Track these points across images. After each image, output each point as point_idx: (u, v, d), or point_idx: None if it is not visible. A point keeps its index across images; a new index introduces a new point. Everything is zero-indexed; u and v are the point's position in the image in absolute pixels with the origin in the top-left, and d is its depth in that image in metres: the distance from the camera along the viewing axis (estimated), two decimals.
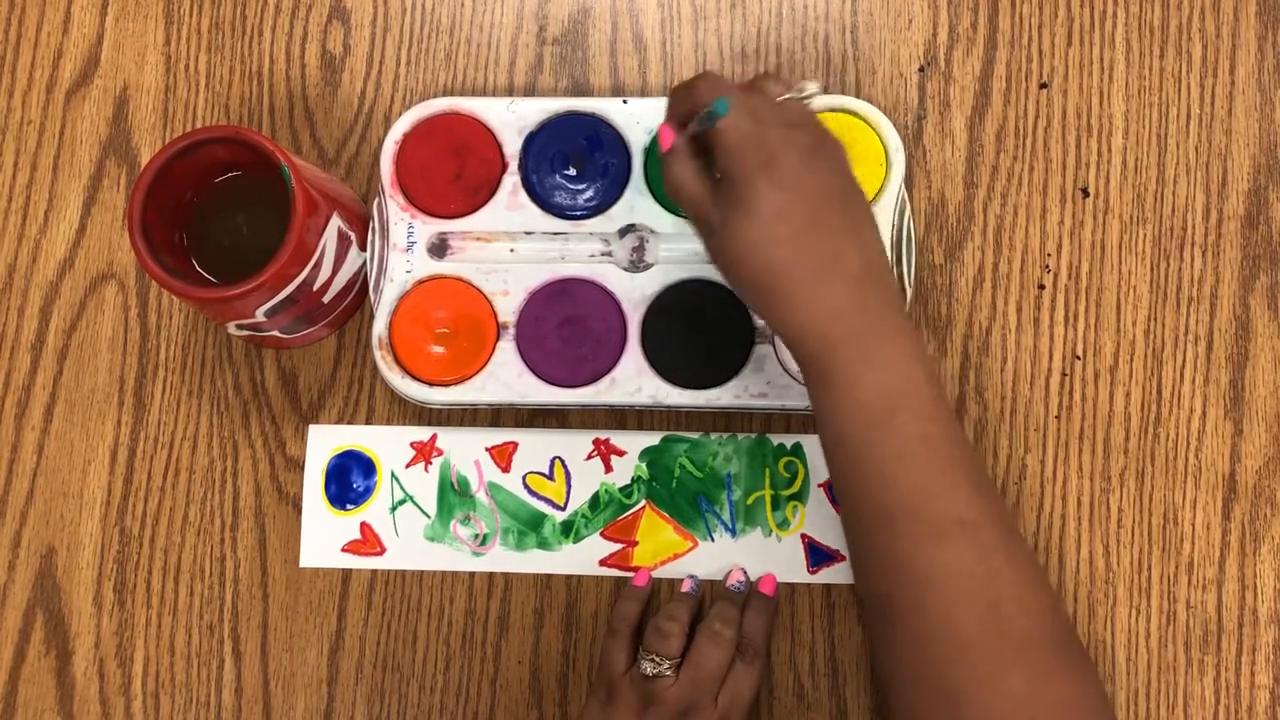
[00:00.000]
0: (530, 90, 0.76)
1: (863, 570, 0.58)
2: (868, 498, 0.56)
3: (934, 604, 0.54)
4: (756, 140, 0.56)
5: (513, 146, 0.73)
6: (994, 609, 0.54)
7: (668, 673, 0.64)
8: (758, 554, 0.71)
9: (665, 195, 0.59)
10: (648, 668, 0.65)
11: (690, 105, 0.59)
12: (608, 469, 0.72)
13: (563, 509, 0.72)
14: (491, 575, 0.72)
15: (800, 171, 0.56)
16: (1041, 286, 0.73)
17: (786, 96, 0.59)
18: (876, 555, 0.56)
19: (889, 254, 0.70)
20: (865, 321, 0.56)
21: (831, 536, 0.71)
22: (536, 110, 0.73)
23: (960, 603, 0.54)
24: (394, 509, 0.73)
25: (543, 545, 0.72)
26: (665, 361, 0.71)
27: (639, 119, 0.72)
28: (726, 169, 0.57)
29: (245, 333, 0.71)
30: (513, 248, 0.72)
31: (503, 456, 0.73)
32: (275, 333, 0.71)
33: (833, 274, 0.56)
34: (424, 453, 0.73)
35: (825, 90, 0.65)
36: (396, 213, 0.72)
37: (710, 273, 0.71)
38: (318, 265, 0.68)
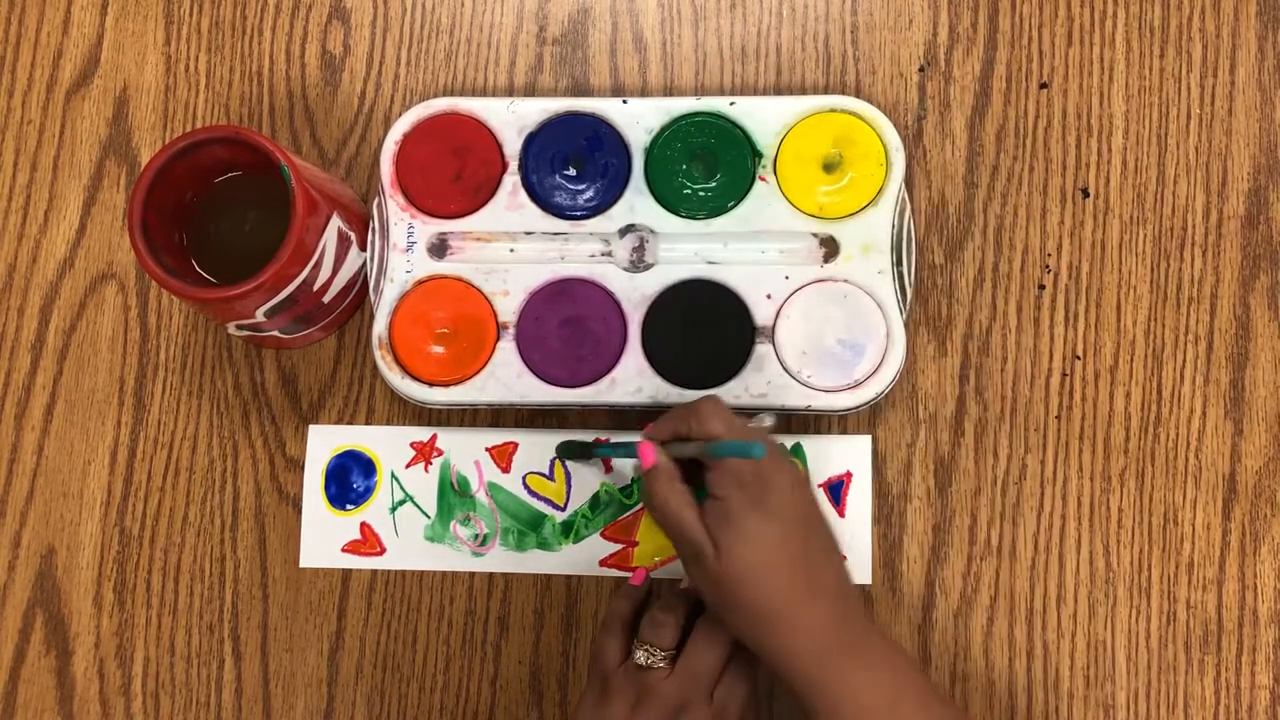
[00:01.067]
0: (530, 90, 0.76)
1: None
2: None
3: None
4: (755, 472, 0.60)
5: (513, 146, 0.73)
6: None
7: (661, 664, 0.64)
8: None
9: (654, 517, 0.62)
10: (642, 658, 0.64)
11: (690, 431, 0.62)
12: (608, 469, 0.72)
13: (563, 509, 0.72)
14: (491, 575, 0.72)
15: (791, 502, 0.60)
16: (1042, 287, 0.73)
17: (751, 425, 0.64)
18: None
19: (889, 255, 0.70)
20: (850, 632, 0.60)
21: None
22: (536, 110, 0.73)
23: None
24: (394, 509, 0.73)
25: (543, 545, 0.72)
26: (665, 361, 0.71)
27: (639, 119, 0.72)
28: (727, 496, 0.60)
29: (245, 333, 0.71)
30: (513, 248, 0.72)
31: (503, 457, 0.73)
32: (275, 333, 0.71)
33: (819, 593, 0.60)
34: (424, 453, 0.73)
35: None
36: (396, 213, 0.72)
37: (710, 272, 0.71)
38: (318, 265, 0.68)
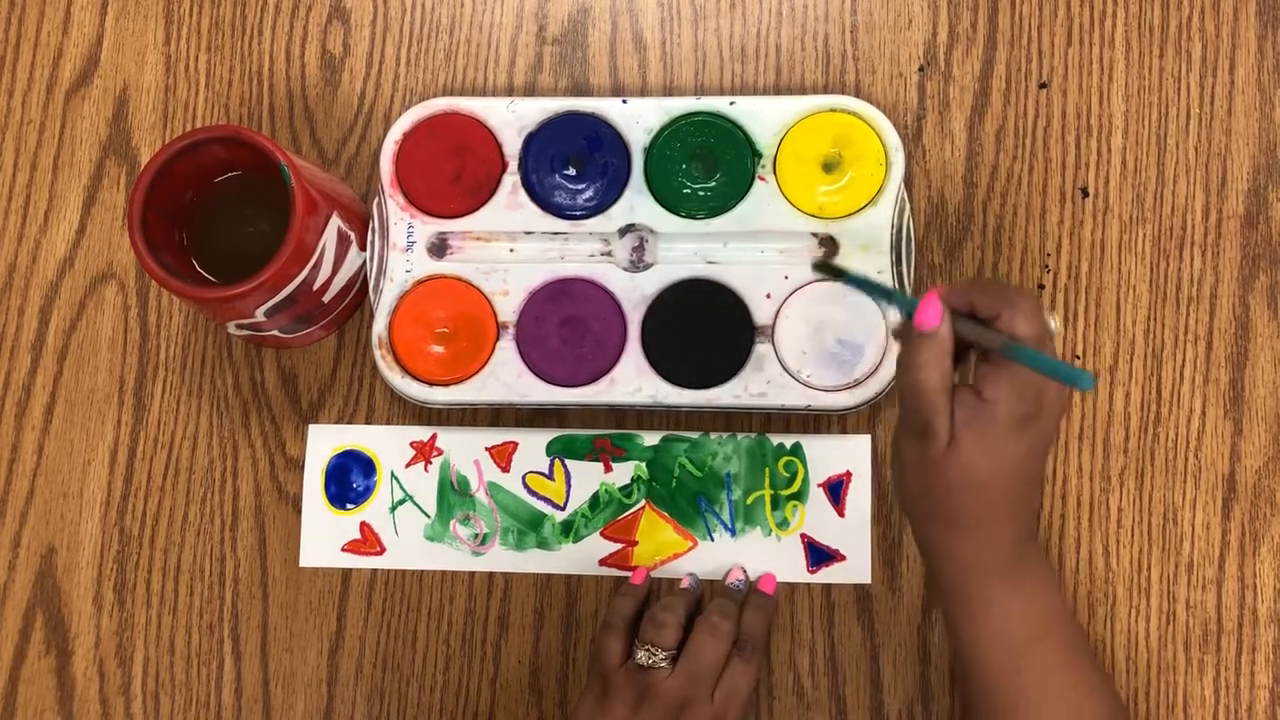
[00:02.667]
0: (530, 90, 0.76)
1: None
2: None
3: None
4: (1036, 389, 0.54)
5: (512, 146, 0.73)
6: None
7: (663, 664, 0.64)
8: (757, 554, 0.71)
9: (901, 380, 0.56)
10: (643, 658, 0.64)
11: (991, 311, 0.55)
12: (607, 469, 0.72)
13: (562, 509, 0.72)
14: (491, 575, 0.72)
15: (1048, 429, 0.56)
16: (1041, 286, 0.73)
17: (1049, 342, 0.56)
18: None
19: (888, 255, 0.70)
20: (1021, 558, 0.57)
21: (831, 536, 0.71)
22: (536, 110, 0.73)
23: None
24: (394, 509, 0.73)
25: (542, 545, 0.72)
26: (665, 361, 0.71)
27: (639, 119, 0.72)
28: (998, 401, 0.54)
29: (245, 333, 0.71)
30: (512, 248, 0.72)
31: (502, 456, 0.73)
32: (275, 332, 0.71)
33: (1014, 515, 0.57)
34: (424, 452, 0.73)
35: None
36: (396, 212, 0.72)
37: (710, 272, 0.71)
38: (317, 265, 0.68)
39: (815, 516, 0.71)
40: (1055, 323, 0.57)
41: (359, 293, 0.74)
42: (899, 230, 0.71)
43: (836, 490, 0.71)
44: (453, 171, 0.73)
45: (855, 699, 0.70)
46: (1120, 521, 0.70)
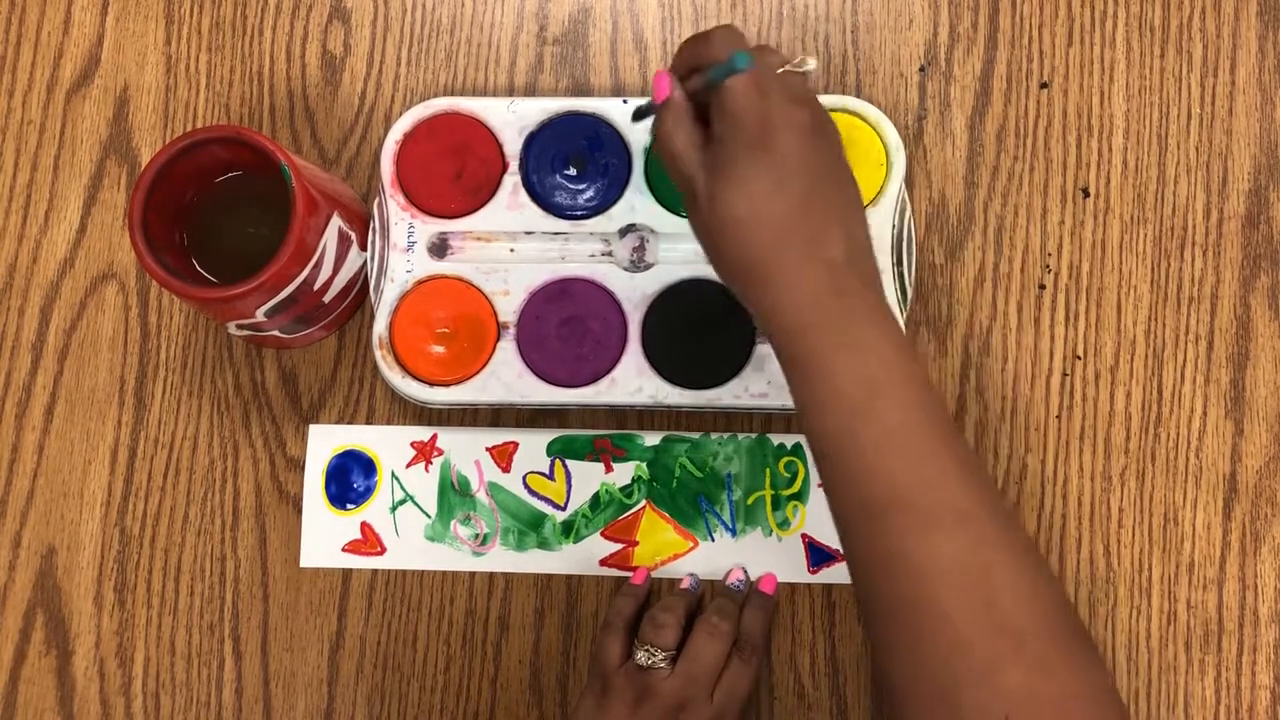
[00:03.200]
0: (530, 90, 0.76)
1: (855, 567, 0.56)
2: (854, 491, 0.54)
3: (927, 598, 0.52)
4: (759, 113, 0.54)
5: (513, 146, 0.73)
6: (990, 602, 0.52)
7: (662, 664, 0.64)
8: (758, 554, 0.71)
9: (660, 154, 0.58)
10: (642, 658, 0.64)
11: (700, 59, 0.57)
12: (608, 469, 0.72)
13: (563, 509, 0.72)
14: (492, 575, 0.72)
15: (796, 150, 0.55)
16: (1042, 286, 0.73)
17: (786, 68, 0.57)
18: (867, 550, 0.54)
19: (889, 255, 0.70)
20: (844, 305, 0.55)
21: (832, 536, 0.70)
22: (537, 110, 0.73)
23: (954, 596, 0.52)
24: (394, 509, 0.73)
25: (543, 545, 0.72)
26: (665, 361, 0.71)
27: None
28: (723, 137, 0.55)
29: (245, 333, 0.71)
30: (513, 248, 0.72)
31: (503, 456, 0.73)
32: (275, 333, 0.71)
33: (816, 257, 0.55)
34: (424, 453, 0.73)
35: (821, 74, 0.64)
36: (397, 212, 0.72)
37: (710, 272, 0.70)
38: (318, 265, 0.68)
39: (816, 517, 0.71)
40: (813, 63, 0.57)
41: (359, 293, 0.74)
42: (900, 230, 0.71)
43: None
44: (453, 171, 0.73)
45: (855, 699, 0.70)
46: (1121, 521, 0.70)
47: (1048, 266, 0.73)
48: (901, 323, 0.69)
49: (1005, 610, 0.52)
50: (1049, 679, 0.52)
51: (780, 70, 0.56)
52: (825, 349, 0.54)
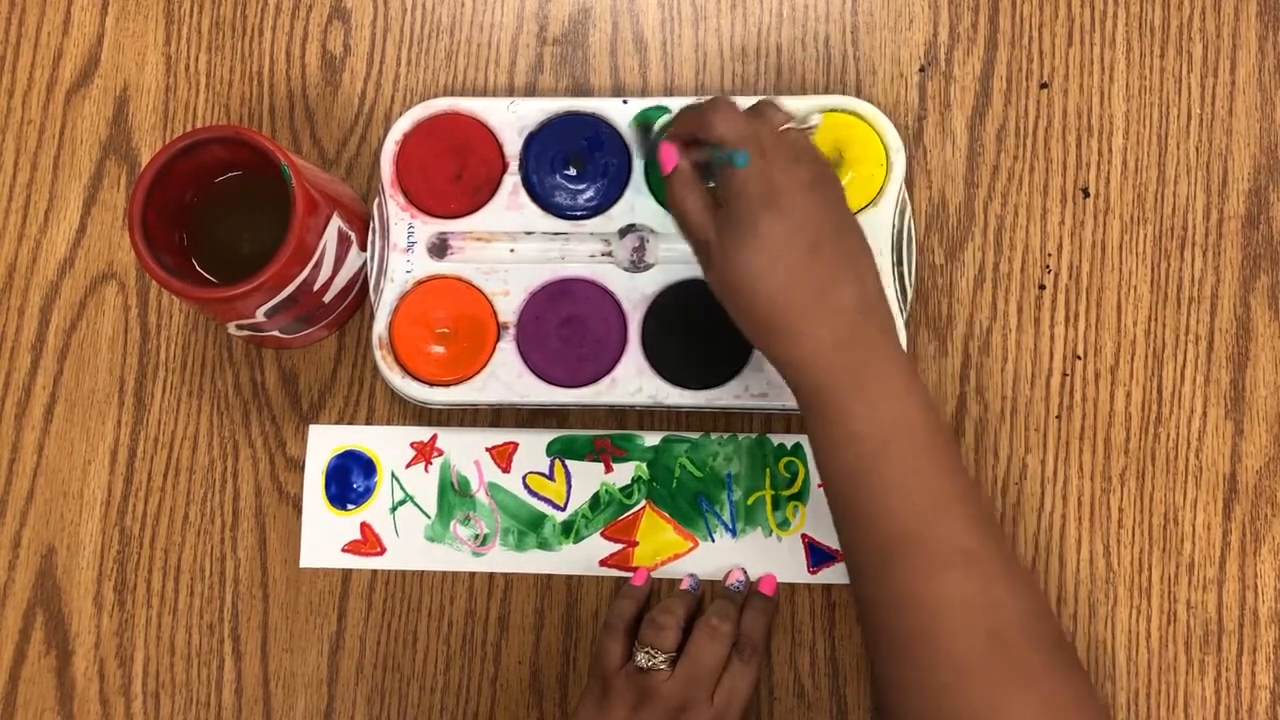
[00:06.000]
0: (530, 90, 0.76)
1: (866, 606, 0.58)
2: (867, 531, 0.57)
3: (935, 633, 0.55)
4: (762, 174, 0.57)
5: (513, 146, 0.73)
6: (996, 637, 0.54)
7: (662, 666, 0.64)
8: (758, 554, 0.71)
9: (674, 219, 0.62)
10: (642, 660, 0.65)
11: (700, 131, 0.60)
12: (608, 469, 0.72)
13: (563, 509, 0.72)
14: (491, 575, 0.72)
15: (801, 207, 0.57)
16: (1042, 286, 0.73)
17: (788, 126, 0.60)
18: (879, 589, 0.57)
19: (889, 255, 0.70)
20: (860, 354, 0.57)
21: (832, 537, 0.71)
22: (537, 110, 0.73)
23: (961, 631, 0.54)
24: (394, 509, 0.73)
25: (543, 545, 0.72)
26: (665, 361, 0.71)
27: None
28: (730, 200, 0.58)
29: (245, 333, 0.71)
30: (513, 248, 0.72)
31: (503, 456, 0.73)
32: (275, 333, 0.71)
33: (829, 307, 0.57)
34: (424, 453, 0.73)
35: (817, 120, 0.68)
36: (396, 213, 0.72)
37: None
38: (318, 265, 0.68)
39: (816, 517, 0.71)
40: (816, 119, 0.63)
41: (359, 293, 0.74)
42: (900, 230, 0.71)
43: None
44: (453, 171, 0.73)
45: (855, 699, 0.70)
46: (1121, 522, 0.70)
47: (1047, 266, 0.73)
48: (901, 323, 0.69)
49: (1011, 645, 0.54)
50: (1052, 714, 0.54)
51: (786, 126, 0.60)
52: (842, 396, 0.57)
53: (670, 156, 0.61)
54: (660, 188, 0.72)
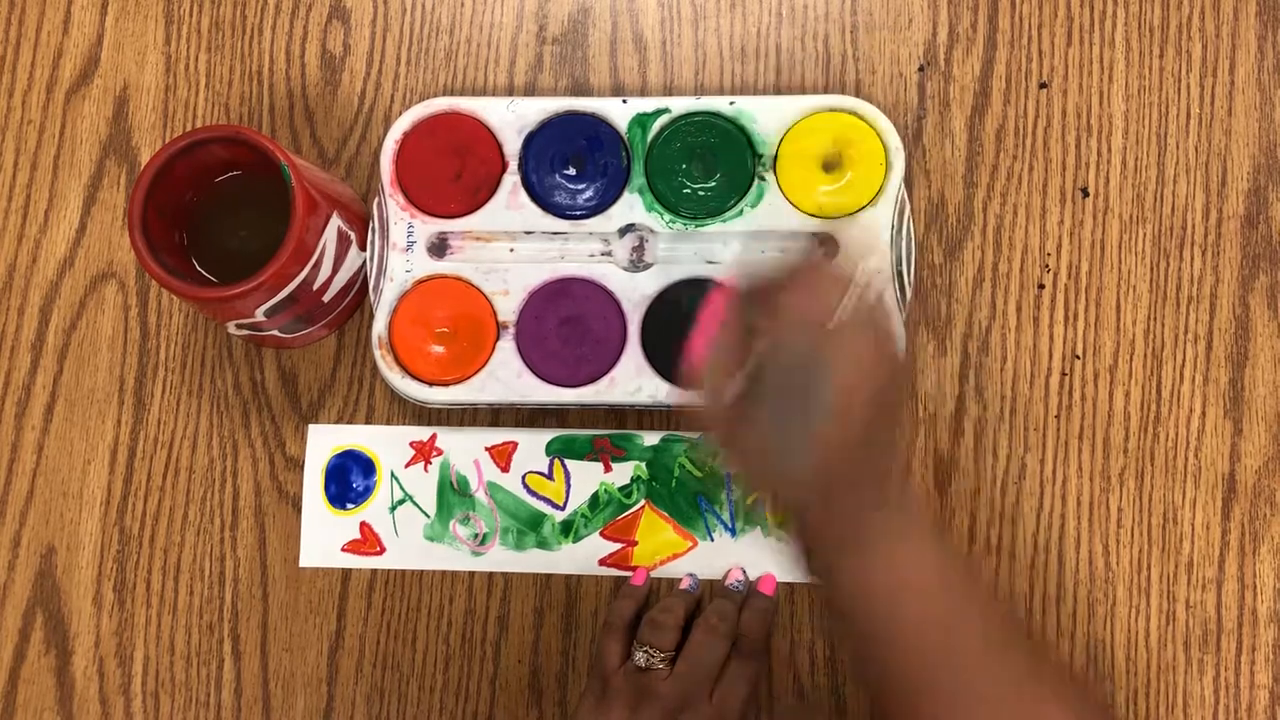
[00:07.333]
0: (530, 90, 0.76)
1: None
2: (887, 672, 0.56)
3: None
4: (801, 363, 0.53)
5: (513, 146, 0.73)
6: None
7: (661, 665, 0.64)
8: (757, 553, 0.71)
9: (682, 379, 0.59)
10: (641, 659, 0.65)
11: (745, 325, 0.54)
12: (607, 468, 0.72)
13: (562, 509, 0.72)
14: (491, 575, 0.72)
15: (855, 385, 0.52)
16: (1041, 286, 0.73)
17: (842, 307, 0.53)
18: None
19: (889, 254, 0.70)
20: (879, 521, 0.55)
21: None
22: (536, 110, 0.73)
23: None
24: (394, 509, 0.73)
25: (542, 545, 0.72)
26: (665, 361, 0.71)
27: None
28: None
29: (245, 332, 0.71)
30: (512, 247, 0.72)
31: (502, 456, 0.73)
32: (275, 332, 0.71)
33: (863, 483, 0.54)
34: (424, 452, 0.73)
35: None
36: (396, 212, 0.72)
37: (710, 272, 0.71)
38: (318, 265, 0.68)
39: None
40: (875, 277, 0.54)
41: (359, 292, 0.74)
42: (899, 230, 0.71)
43: None
44: (453, 171, 0.73)
45: (855, 699, 0.70)
46: (1120, 521, 0.70)
47: (1047, 266, 0.73)
48: (901, 323, 0.69)
49: None
50: None
51: (840, 307, 0.54)
52: (850, 562, 0.55)
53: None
54: (662, 187, 0.72)
